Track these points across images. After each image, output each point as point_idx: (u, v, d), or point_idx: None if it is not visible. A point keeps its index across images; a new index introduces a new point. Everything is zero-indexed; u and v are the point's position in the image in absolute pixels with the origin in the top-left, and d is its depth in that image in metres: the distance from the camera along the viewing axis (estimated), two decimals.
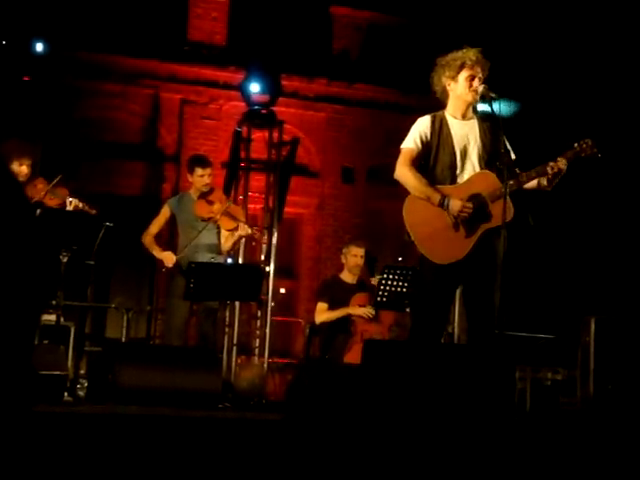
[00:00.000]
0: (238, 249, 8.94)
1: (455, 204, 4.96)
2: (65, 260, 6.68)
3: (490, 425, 4.46)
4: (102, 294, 10.00)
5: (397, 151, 5.19)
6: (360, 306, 7.45)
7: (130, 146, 11.39)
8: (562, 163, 4.96)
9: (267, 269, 9.55)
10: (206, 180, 7.30)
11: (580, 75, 9.16)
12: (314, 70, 11.76)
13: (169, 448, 4.21)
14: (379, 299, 7.18)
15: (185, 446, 4.27)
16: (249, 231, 7.23)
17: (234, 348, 8.79)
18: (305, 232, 12.29)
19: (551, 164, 4.98)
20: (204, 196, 7.30)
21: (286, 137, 10.20)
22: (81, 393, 6.97)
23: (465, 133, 5.16)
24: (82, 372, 7.80)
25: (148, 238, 7.33)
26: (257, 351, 9.60)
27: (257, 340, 9.65)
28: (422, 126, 5.18)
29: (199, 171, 7.32)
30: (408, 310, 7.19)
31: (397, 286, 7.13)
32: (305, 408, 5.12)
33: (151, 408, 6.02)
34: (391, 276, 7.13)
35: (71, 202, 6.83)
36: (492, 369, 4.63)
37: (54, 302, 7.04)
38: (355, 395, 4.59)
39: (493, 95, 5.09)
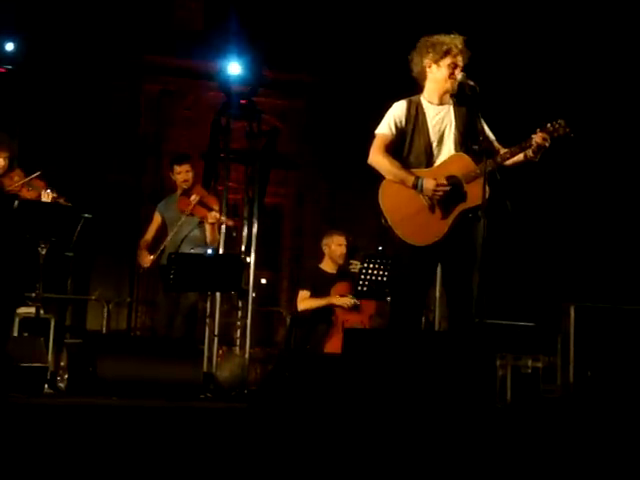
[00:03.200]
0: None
1: (429, 184, 4.95)
2: (44, 252, 6.64)
3: (471, 413, 4.47)
4: (82, 286, 9.97)
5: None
6: (341, 296, 7.46)
7: (111, 137, 11.34)
8: (539, 137, 4.92)
9: (248, 260, 9.52)
10: (184, 176, 7.36)
11: (555, 58, 9.20)
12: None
13: (151, 440, 4.20)
14: (360, 288, 7.19)
15: (167, 437, 4.26)
16: (217, 217, 7.24)
17: (215, 339, 8.77)
18: (285, 222, 12.28)
19: (524, 144, 4.95)
20: (186, 192, 7.34)
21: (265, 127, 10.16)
22: (61, 385, 6.94)
23: (441, 118, 5.14)
24: (62, 364, 7.76)
25: (141, 243, 7.45)
26: (238, 342, 9.59)
27: (238, 331, 9.63)
28: (397, 111, 5.16)
29: (177, 168, 7.41)
30: (389, 299, 7.19)
31: (378, 275, 7.14)
32: (284, 398, 5.11)
33: (132, 400, 6.00)
34: (372, 265, 7.14)
35: (48, 195, 6.80)
36: (472, 357, 4.64)
37: (33, 294, 7.01)
38: (336, 385, 4.59)
39: (471, 83, 5.09)
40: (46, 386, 6.43)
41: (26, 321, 7.50)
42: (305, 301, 7.58)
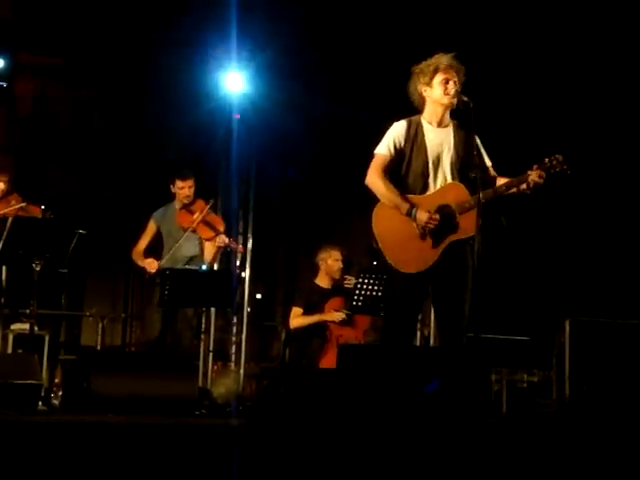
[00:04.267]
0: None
1: (422, 215, 4.99)
2: (38, 268, 6.63)
3: (466, 428, 4.46)
4: (76, 302, 9.93)
5: None
6: (335, 311, 7.46)
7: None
8: (535, 175, 4.96)
9: (243, 275, 9.53)
10: (187, 192, 7.28)
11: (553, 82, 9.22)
12: None
13: (145, 456, 4.19)
14: (355, 303, 7.18)
15: (161, 454, 4.24)
16: (226, 241, 7.21)
17: (210, 354, 8.76)
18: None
19: (520, 180, 4.99)
20: (186, 207, 7.29)
21: None
22: (56, 402, 6.92)
23: (440, 141, 5.17)
24: (57, 381, 7.75)
25: (135, 253, 7.34)
26: (233, 357, 9.58)
27: (233, 346, 9.63)
28: (396, 132, 5.19)
29: (179, 183, 7.31)
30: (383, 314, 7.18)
31: (373, 290, 7.12)
32: (280, 413, 5.10)
33: (127, 416, 5.98)
34: (366, 280, 7.13)
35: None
36: (468, 372, 4.64)
37: (28, 311, 6.99)
38: (331, 400, 4.59)
39: (465, 99, 5.11)
40: (40, 403, 6.40)
41: (20, 338, 7.47)
42: (297, 319, 7.58)
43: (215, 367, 9.05)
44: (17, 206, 6.70)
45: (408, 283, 5.05)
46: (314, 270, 7.89)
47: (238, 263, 9.70)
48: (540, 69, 9.08)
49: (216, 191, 9.71)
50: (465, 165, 5.10)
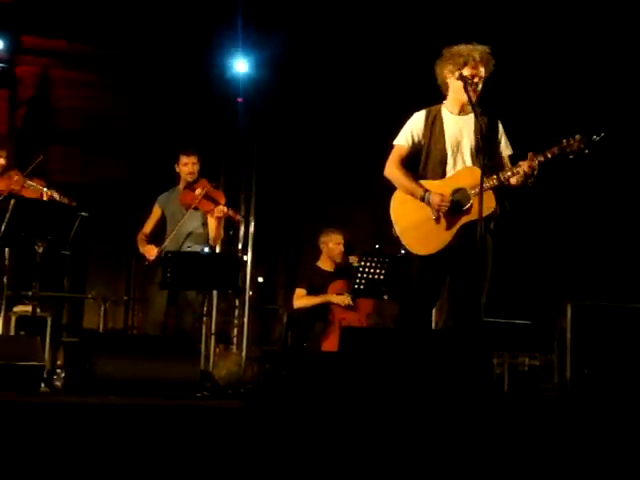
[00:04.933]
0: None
1: (434, 198, 5.05)
2: (40, 250, 6.63)
3: (468, 411, 4.47)
4: (79, 284, 9.95)
5: None
6: (338, 294, 7.46)
7: None
8: (526, 166, 4.98)
9: (245, 258, 9.54)
10: (190, 168, 7.27)
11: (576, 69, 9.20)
12: None
13: (148, 438, 4.20)
14: (357, 287, 7.17)
15: (163, 436, 4.25)
16: (224, 210, 7.17)
17: (212, 337, 8.77)
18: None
19: (515, 169, 5.03)
20: (189, 185, 7.28)
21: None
22: (58, 384, 6.93)
23: (459, 128, 5.19)
24: (59, 363, 7.77)
25: (139, 236, 7.34)
26: (235, 340, 9.60)
27: (235, 329, 9.65)
28: (415, 123, 5.25)
29: (183, 159, 7.31)
30: (386, 297, 7.18)
31: (375, 273, 7.12)
32: (282, 396, 5.11)
33: (129, 398, 5.99)
34: (368, 263, 7.12)
35: (47, 193, 6.80)
36: (469, 355, 4.65)
37: (30, 293, 7.00)
38: (333, 383, 4.59)
39: (465, 73, 5.10)
40: (43, 385, 6.43)
41: (23, 320, 7.49)
42: (301, 299, 7.58)
43: (217, 350, 9.07)
44: (22, 180, 6.67)
45: (425, 267, 5.10)
46: (316, 253, 7.91)
47: (240, 246, 9.72)
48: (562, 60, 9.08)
49: (220, 174, 9.72)
50: (485, 151, 5.08)
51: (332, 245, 7.69)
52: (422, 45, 5.37)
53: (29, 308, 7.05)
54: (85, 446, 3.94)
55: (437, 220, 5.09)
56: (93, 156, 11.00)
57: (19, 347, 6.47)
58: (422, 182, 5.15)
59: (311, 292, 7.56)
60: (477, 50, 5.15)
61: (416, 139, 5.21)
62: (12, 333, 7.40)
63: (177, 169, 7.36)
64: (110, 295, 9.36)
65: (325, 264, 7.75)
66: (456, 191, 5.09)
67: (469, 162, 5.16)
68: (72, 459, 3.77)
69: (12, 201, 6.52)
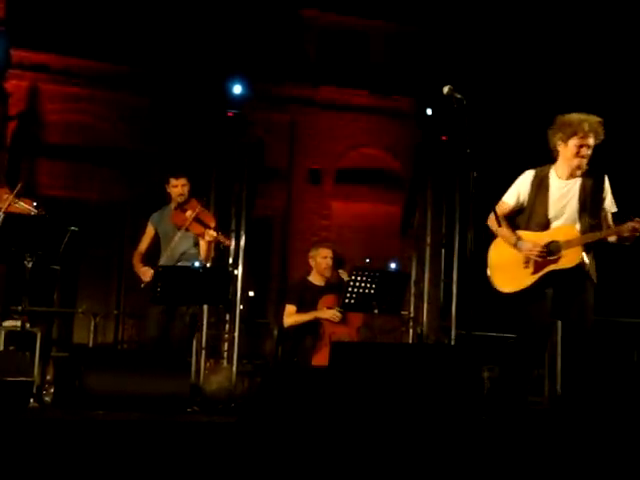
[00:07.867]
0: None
1: (525, 245, 5.41)
2: (30, 265, 6.61)
3: (458, 426, 4.47)
4: (69, 299, 9.95)
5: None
6: (328, 308, 7.45)
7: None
8: (627, 229, 5.23)
9: (235, 272, 9.53)
10: (180, 190, 7.31)
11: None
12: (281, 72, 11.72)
13: (137, 453, 4.19)
14: (347, 301, 7.16)
15: (153, 451, 4.24)
16: (214, 235, 7.20)
17: (203, 352, 8.76)
18: (274, 234, 12.28)
19: (616, 229, 5.31)
20: (180, 206, 7.31)
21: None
22: (47, 399, 6.91)
23: (564, 194, 5.44)
24: (49, 378, 7.74)
25: (135, 256, 7.38)
26: (226, 354, 9.58)
27: (226, 343, 9.63)
28: (522, 184, 5.56)
29: (173, 181, 7.35)
30: (376, 312, 7.18)
31: (365, 288, 7.12)
32: (272, 411, 5.11)
33: (119, 413, 5.98)
34: (359, 278, 7.13)
35: (36, 213, 6.78)
36: (459, 369, 4.65)
37: (20, 308, 6.98)
38: (323, 397, 4.59)
39: (458, 96, 5.14)
40: (32, 400, 6.40)
41: (12, 335, 7.46)
42: (291, 317, 7.57)
43: (208, 364, 9.05)
44: (10, 199, 6.66)
45: (538, 306, 5.41)
46: (308, 268, 7.91)
47: (231, 260, 9.70)
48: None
49: (210, 188, 9.72)
50: (588, 212, 5.38)
51: (319, 259, 7.69)
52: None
53: (19, 323, 7.02)
54: (75, 462, 3.93)
55: (526, 263, 5.38)
56: (82, 170, 11.03)
57: (8, 362, 6.43)
58: (520, 232, 5.47)
59: (301, 307, 7.55)
60: (586, 122, 5.35)
61: (521, 199, 5.52)
62: (1, 348, 7.36)
63: (168, 189, 7.39)
64: (100, 310, 9.35)
65: (316, 279, 7.75)
66: (549, 243, 5.34)
67: (570, 222, 5.39)
68: (62, 474, 3.76)
69: (1, 216, 6.50)
